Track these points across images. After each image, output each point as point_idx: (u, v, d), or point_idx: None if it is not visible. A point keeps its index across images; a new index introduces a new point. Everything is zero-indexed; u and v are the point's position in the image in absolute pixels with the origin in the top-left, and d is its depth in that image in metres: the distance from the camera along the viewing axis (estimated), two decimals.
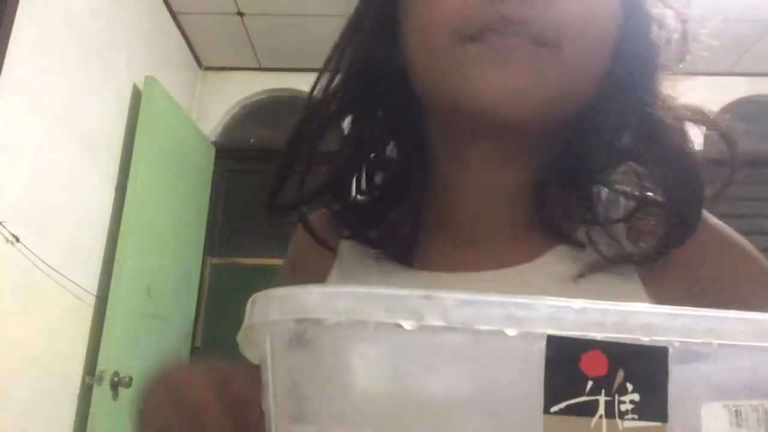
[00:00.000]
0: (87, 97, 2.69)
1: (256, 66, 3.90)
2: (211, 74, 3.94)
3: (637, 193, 0.51)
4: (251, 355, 0.22)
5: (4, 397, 2.20)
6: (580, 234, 0.51)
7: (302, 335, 0.19)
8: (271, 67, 3.89)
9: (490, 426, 0.19)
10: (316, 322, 0.19)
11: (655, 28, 0.51)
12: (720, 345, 0.20)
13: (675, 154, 0.49)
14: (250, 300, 0.20)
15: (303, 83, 4.10)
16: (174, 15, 3.49)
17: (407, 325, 0.19)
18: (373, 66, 0.54)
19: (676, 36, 0.52)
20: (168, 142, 3.18)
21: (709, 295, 0.49)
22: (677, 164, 0.49)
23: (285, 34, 3.58)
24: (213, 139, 3.79)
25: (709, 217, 0.54)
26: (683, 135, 0.50)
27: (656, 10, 0.51)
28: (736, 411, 0.20)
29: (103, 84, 2.83)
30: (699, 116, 0.51)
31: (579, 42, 0.46)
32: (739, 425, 0.20)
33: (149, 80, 3.06)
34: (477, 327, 0.19)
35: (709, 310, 0.20)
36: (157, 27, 3.35)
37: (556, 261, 0.50)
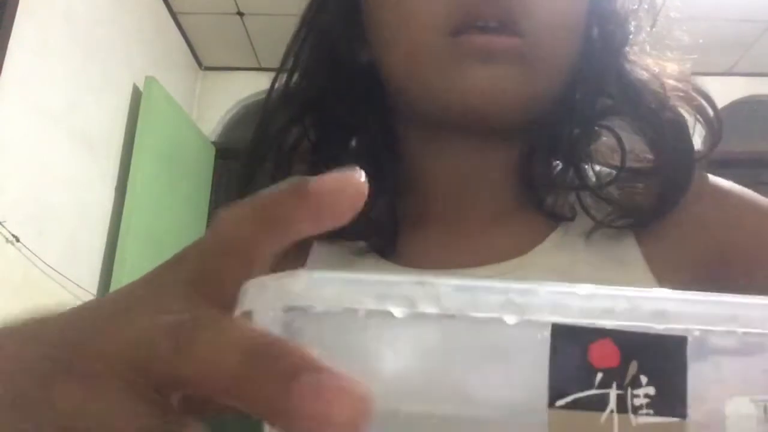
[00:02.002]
0: (87, 97, 2.69)
1: (256, 66, 3.89)
2: (211, 74, 3.93)
3: (619, 164, 0.51)
4: None
5: None
6: (570, 207, 0.50)
7: (291, 324, 0.19)
8: (271, 67, 3.86)
9: (489, 421, 0.18)
10: (304, 310, 0.18)
11: (619, 5, 0.52)
12: (745, 333, 0.18)
13: (656, 108, 0.49)
14: (241, 288, 0.20)
15: None
16: (174, 15, 3.48)
17: (398, 312, 0.18)
18: (335, 61, 0.52)
19: (645, 5, 0.53)
20: (168, 142, 3.17)
21: (733, 262, 0.48)
22: (659, 119, 0.49)
23: (285, 34, 3.56)
24: (213, 139, 3.78)
25: (710, 177, 0.53)
26: (663, 94, 0.50)
27: None
28: (765, 406, 0.19)
29: (103, 84, 2.82)
30: (676, 77, 0.52)
31: (553, 26, 0.47)
32: None
33: (149, 80, 3.06)
34: (473, 314, 0.18)
35: (732, 295, 0.19)
36: (157, 27, 3.35)
37: (553, 250, 0.49)
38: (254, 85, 3.90)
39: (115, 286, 2.74)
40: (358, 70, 0.52)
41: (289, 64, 0.56)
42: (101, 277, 2.79)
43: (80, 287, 2.62)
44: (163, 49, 3.41)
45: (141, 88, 3.07)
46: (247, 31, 3.61)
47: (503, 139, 0.51)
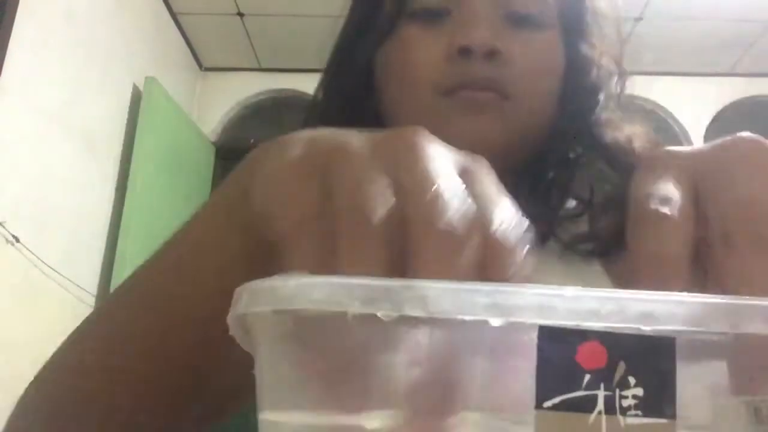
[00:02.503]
0: (87, 97, 2.69)
1: (256, 66, 3.90)
2: (211, 74, 3.93)
3: (587, 198, 0.57)
4: (245, 345, 0.21)
5: (4, 397, 2.19)
6: (543, 234, 0.54)
7: (282, 327, 0.19)
8: (271, 67, 3.89)
9: (477, 422, 0.18)
10: (294, 313, 0.18)
11: (594, 70, 0.59)
12: (734, 334, 0.18)
13: (624, 163, 0.56)
14: (236, 292, 0.20)
15: (303, 83, 4.09)
16: (174, 15, 3.48)
17: (385, 316, 0.18)
18: (350, 107, 0.61)
19: (614, 72, 0.61)
20: (168, 142, 3.17)
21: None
22: (626, 170, 0.54)
23: (285, 34, 3.58)
24: (213, 139, 3.79)
25: None
26: (631, 150, 0.57)
27: (593, 53, 0.60)
28: (756, 408, 0.19)
29: (103, 84, 2.83)
30: (643, 137, 0.59)
31: (533, 92, 0.55)
32: (760, 423, 0.19)
33: (149, 80, 3.06)
34: (460, 317, 0.18)
35: (720, 296, 0.19)
36: (157, 27, 3.35)
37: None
38: (254, 85, 3.91)
39: (115, 286, 2.73)
40: (367, 116, 0.60)
41: (316, 96, 0.66)
42: (101, 277, 2.79)
43: (80, 287, 2.62)
44: (163, 50, 3.41)
45: (141, 88, 3.07)
46: (247, 32, 3.62)
47: None
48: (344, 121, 0.59)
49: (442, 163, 0.23)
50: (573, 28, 0.59)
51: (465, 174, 0.23)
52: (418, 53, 0.56)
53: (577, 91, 0.58)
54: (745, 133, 0.27)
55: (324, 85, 0.66)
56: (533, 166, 0.57)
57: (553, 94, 0.57)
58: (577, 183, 0.58)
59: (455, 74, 0.54)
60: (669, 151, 0.28)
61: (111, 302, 0.40)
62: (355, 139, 0.25)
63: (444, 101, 0.54)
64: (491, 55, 0.53)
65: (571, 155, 0.58)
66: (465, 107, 0.53)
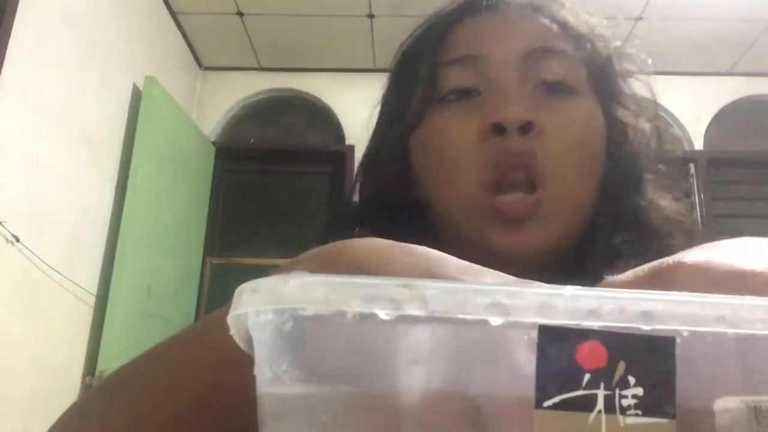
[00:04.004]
0: (87, 96, 2.69)
1: (256, 66, 3.90)
2: (211, 74, 3.93)
3: None
4: (243, 345, 0.21)
5: (4, 397, 2.19)
6: None
7: (282, 326, 0.19)
8: (271, 67, 3.89)
9: (474, 420, 0.18)
10: (294, 312, 0.18)
11: (632, 135, 0.58)
12: (733, 334, 0.18)
13: (666, 244, 0.55)
14: (236, 291, 0.20)
15: (303, 83, 4.09)
16: (174, 15, 3.48)
17: (384, 314, 0.18)
18: (388, 199, 0.60)
19: (653, 133, 0.60)
20: (168, 142, 3.17)
21: None
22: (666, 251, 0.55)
23: (285, 34, 3.58)
24: (213, 139, 3.79)
25: None
26: (670, 235, 0.56)
27: (629, 116, 0.58)
28: (756, 407, 0.19)
29: (103, 84, 2.82)
30: (680, 215, 0.58)
31: (571, 166, 0.53)
32: (759, 422, 0.19)
33: (149, 80, 3.06)
34: (460, 316, 0.18)
35: (720, 296, 0.19)
36: (157, 27, 3.35)
37: None
38: (254, 85, 3.91)
39: (115, 286, 2.74)
40: (408, 205, 0.58)
41: (355, 185, 0.65)
42: (101, 277, 2.79)
43: (80, 287, 2.62)
44: (163, 49, 3.41)
45: (141, 88, 3.07)
46: (247, 31, 3.62)
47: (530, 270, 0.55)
48: (382, 216, 0.59)
49: None
50: (606, 91, 0.58)
51: None
52: (453, 136, 0.55)
53: (618, 166, 0.56)
54: (684, 260, 0.25)
55: (359, 182, 0.65)
56: (576, 261, 0.55)
57: (594, 168, 0.55)
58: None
59: (490, 152, 0.52)
60: (606, 284, 0.27)
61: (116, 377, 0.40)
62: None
63: (485, 205, 0.52)
64: (525, 128, 0.52)
65: (616, 241, 0.56)
66: (505, 219, 0.52)
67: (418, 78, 0.59)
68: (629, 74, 0.60)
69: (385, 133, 0.62)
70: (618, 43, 0.61)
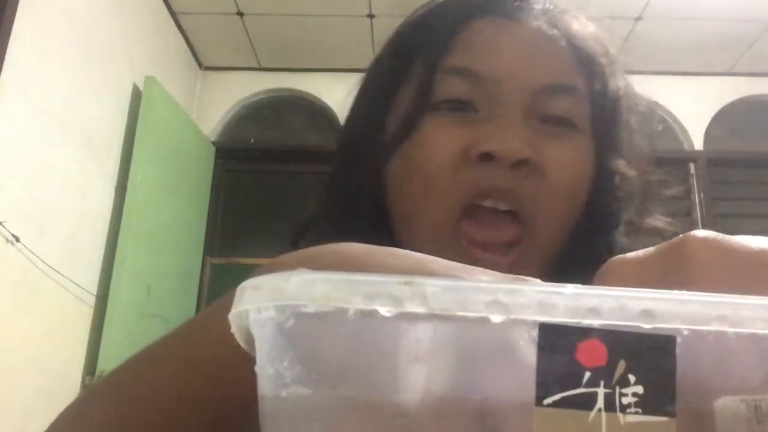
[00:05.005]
0: (87, 96, 2.69)
1: (256, 66, 3.90)
2: (211, 74, 3.93)
3: None
4: (243, 342, 0.21)
5: (4, 397, 2.19)
6: None
7: (284, 323, 0.19)
8: (271, 67, 3.89)
9: (473, 419, 0.18)
10: (295, 309, 0.18)
11: (618, 182, 0.55)
12: (734, 333, 0.18)
13: None
14: (237, 288, 0.20)
15: (303, 83, 4.08)
16: (174, 15, 3.48)
17: (385, 311, 0.18)
18: (356, 205, 0.57)
19: (641, 189, 0.57)
20: (168, 142, 3.17)
21: None
22: None
23: (285, 34, 3.58)
24: (213, 139, 3.79)
25: None
26: None
27: (622, 166, 0.56)
28: (756, 406, 0.19)
29: (103, 84, 2.83)
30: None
31: (557, 207, 0.51)
32: (759, 421, 0.19)
33: (149, 80, 3.06)
34: (460, 314, 0.18)
35: (721, 294, 0.19)
36: (157, 27, 3.35)
37: None
38: (254, 85, 3.91)
39: (115, 286, 2.74)
40: (374, 211, 0.56)
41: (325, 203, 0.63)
42: (101, 277, 2.79)
43: (80, 287, 2.62)
44: (163, 49, 3.41)
45: (141, 88, 3.07)
46: (247, 31, 3.62)
47: None
48: (347, 222, 0.56)
49: None
50: (605, 136, 0.55)
51: None
52: (436, 151, 0.51)
53: (602, 209, 0.54)
54: (694, 234, 0.25)
55: (331, 185, 0.62)
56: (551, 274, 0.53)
57: (576, 211, 0.53)
58: None
59: (471, 182, 0.49)
60: (617, 262, 0.27)
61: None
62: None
63: (457, 230, 0.50)
64: (518, 164, 0.49)
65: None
66: (478, 246, 0.50)
67: (411, 75, 0.54)
68: (632, 113, 0.58)
69: (367, 133, 0.57)
70: (625, 82, 0.58)
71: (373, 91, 0.59)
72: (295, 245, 0.63)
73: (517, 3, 0.55)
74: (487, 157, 0.49)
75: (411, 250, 0.53)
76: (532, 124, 0.51)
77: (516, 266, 0.49)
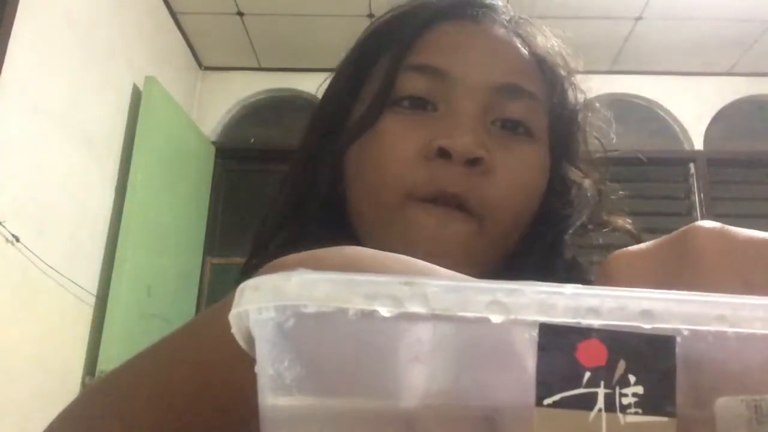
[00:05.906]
0: (87, 96, 2.69)
1: (256, 66, 3.90)
2: (211, 74, 3.93)
3: None
4: (243, 343, 0.21)
5: (4, 397, 2.19)
6: None
7: (284, 323, 0.19)
8: (271, 67, 3.89)
9: (473, 419, 0.18)
10: (296, 309, 0.18)
11: (574, 190, 0.57)
12: (734, 333, 0.18)
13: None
14: (237, 289, 0.20)
15: (303, 83, 4.08)
16: (174, 15, 3.48)
17: (386, 312, 0.18)
18: (313, 199, 0.59)
19: (594, 199, 0.59)
20: (168, 142, 3.17)
21: None
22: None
23: (285, 34, 3.58)
24: (213, 139, 3.79)
25: None
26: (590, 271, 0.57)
27: (577, 176, 0.58)
28: (756, 406, 0.19)
29: (103, 84, 2.83)
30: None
31: (508, 208, 0.52)
32: (759, 422, 0.19)
33: (149, 80, 3.06)
34: (461, 314, 0.18)
35: (721, 295, 0.19)
36: (157, 27, 3.35)
37: None
38: (254, 85, 3.91)
39: (115, 286, 2.74)
40: (330, 203, 0.58)
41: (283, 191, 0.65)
42: (101, 277, 2.79)
43: (80, 287, 2.62)
44: (163, 49, 3.41)
45: (141, 88, 3.07)
46: (247, 31, 3.62)
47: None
48: (303, 216, 0.58)
49: None
50: (562, 145, 0.57)
51: None
52: (395, 146, 0.52)
53: (553, 213, 0.56)
54: (699, 224, 0.25)
55: (290, 181, 0.64)
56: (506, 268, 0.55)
57: (528, 214, 0.54)
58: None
59: (429, 178, 0.51)
60: (620, 255, 0.27)
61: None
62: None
63: (410, 211, 0.51)
64: (472, 162, 0.50)
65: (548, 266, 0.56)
66: (429, 221, 0.51)
67: (376, 72, 0.56)
68: (590, 125, 0.60)
69: (324, 137, 0.59)
70: (587, 96, 0.60)
71: (341, 85, 0.61)
72: (264, 245, 0.65)
73: (483, 9, 0.57)
74: (443, 154, 0.50)
75: (363, 235, 0.54)
76: (490, 127, 0.53)
77: (467, 231, 0.51)
